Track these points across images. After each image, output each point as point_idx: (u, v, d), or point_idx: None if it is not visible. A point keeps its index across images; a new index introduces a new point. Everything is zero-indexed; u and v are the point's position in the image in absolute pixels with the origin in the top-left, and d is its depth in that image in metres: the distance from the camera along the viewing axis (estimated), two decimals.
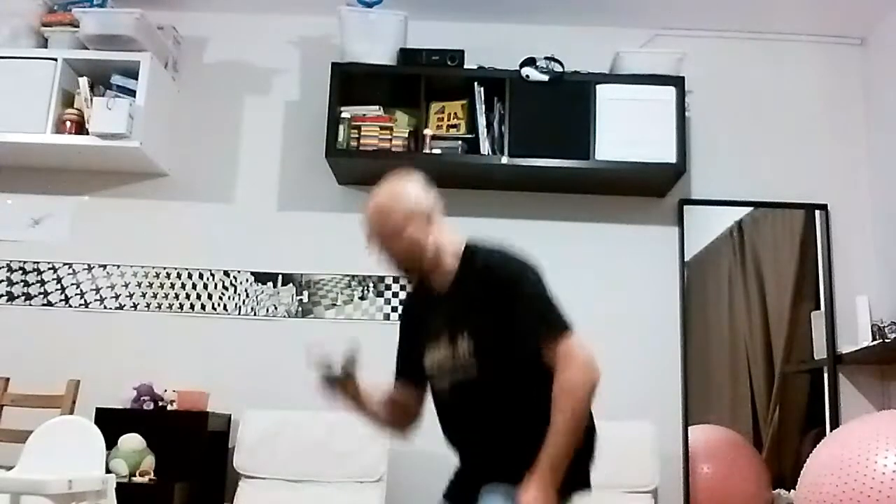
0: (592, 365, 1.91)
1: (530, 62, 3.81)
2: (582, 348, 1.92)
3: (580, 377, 1.89)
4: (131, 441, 3.39)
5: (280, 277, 3.98)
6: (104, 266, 3.99)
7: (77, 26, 3.83)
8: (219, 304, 3.96)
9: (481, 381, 2.00)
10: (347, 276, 3.97)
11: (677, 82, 3.80)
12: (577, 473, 1.96)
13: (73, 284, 3.97)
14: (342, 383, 2.11)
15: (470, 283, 2.05)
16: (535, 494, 1.85)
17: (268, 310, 3.96)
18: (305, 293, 3.95)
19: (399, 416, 2.26)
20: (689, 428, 3.80)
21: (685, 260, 3.97)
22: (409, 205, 2.06)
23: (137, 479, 3.32)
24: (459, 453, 2.15)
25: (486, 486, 1.98)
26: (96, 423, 3.11)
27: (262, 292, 3.97)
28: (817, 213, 4.01)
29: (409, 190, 2.10)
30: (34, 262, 4.00)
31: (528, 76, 3.79)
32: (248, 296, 3.97)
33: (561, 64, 3.81)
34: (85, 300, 3.96)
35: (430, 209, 2.09)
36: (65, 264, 3.99)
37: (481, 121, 3.78)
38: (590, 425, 2.01)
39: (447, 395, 2.10)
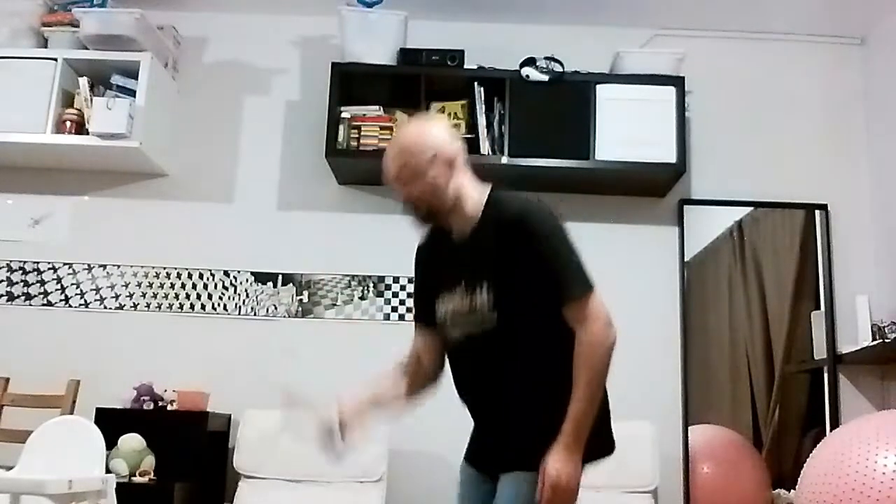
0: (612, 326, 1.91)
1: (530, 62, 3.81)
2: (604, 308, 1.93)
3: (602, 336, 1.89)
4: (131, 441, 3.39)
5: (280, 277, 3.97)
6: (104, 266, 3.99)
7: (77, 26, 3.83)
8: (219, 304, 3.96)
9: (498, 332, 1.95)
10: (347, 276, 3.97)
11: (677, 82, 3.80)
12: (598, 438, 1.91)
13: (73, 284, 3.97)
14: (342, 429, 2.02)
15: (493, 232, 1.98)
16: (561, 465, 1.81)
17: (268, 310, 3.95)
18: (305, 293, 3.95)
19: (421, 377, 2.16)
20: (689, 428, 3.80)
21: (685, 260, 3.97)
22: (433, 147, 2.01)
23: (137, 479, 3.33)
24: (471, 410, 2.08)
25: (502, 474, 1.95)
26: (96, 423, 3.11)
27: (262, 292, 3.97)
28: (817, 213, 4.01)
29: (434, 132, 2.06)
30: (34, 262, 3.99)
31: (528, 76, 3.78)
32: (248, 296, 3.97)
33: (561, 64, 3.81)
34: (85, 300, 3.96)
35: (454, 154, 2.04)
36: (65, 264, 3.99)
37: (481, 121, 3.78)
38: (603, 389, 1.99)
39: (461, 346, 2.04)
